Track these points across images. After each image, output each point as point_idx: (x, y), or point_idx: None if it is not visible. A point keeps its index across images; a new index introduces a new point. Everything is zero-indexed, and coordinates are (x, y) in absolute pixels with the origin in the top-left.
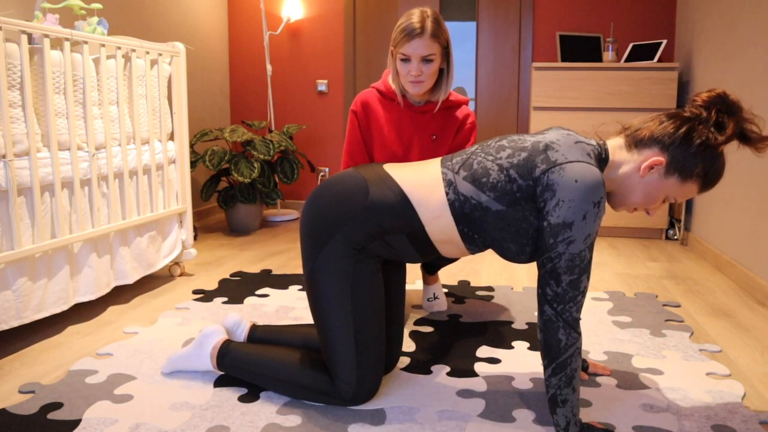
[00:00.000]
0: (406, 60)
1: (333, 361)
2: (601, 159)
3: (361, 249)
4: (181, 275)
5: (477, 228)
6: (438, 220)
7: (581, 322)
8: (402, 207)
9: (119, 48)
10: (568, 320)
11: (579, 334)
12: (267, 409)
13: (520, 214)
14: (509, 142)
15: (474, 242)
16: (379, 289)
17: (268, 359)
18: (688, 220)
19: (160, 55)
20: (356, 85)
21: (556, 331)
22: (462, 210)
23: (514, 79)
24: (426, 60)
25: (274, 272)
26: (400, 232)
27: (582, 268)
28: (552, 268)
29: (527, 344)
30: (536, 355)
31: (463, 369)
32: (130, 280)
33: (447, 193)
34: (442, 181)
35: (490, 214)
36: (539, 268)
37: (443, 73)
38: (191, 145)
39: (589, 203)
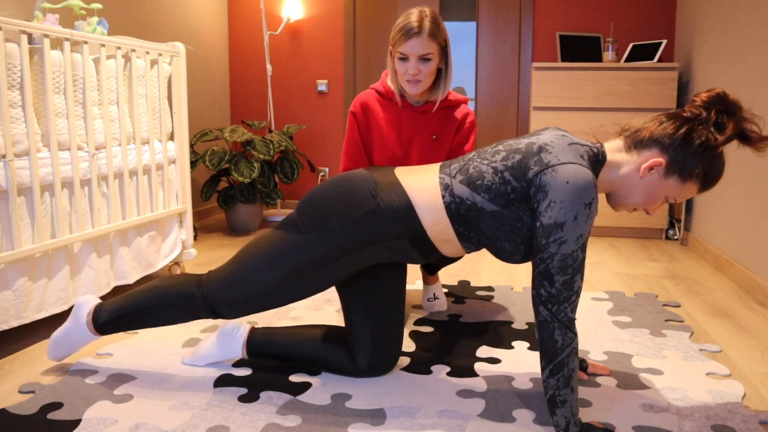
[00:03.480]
0: (404, 59)
1: (222, 279)
2: (597, 160)
3: (349, 252)
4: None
5: (472, 227)
6: (438, 224)
7: (578, 322)
8: (406, 213)
9: (119, 48)
10: (563, 321)
11: (575, 334)
12: (267, 409)
13: (514, 214)
14: (505, 146)
15: (470, 240)
16: (326, 284)
17: (135, 297)
18: (688, 220)
19: (160, 55)
20: (356, 85)
21: (552, 332)
22: (458, 211)
23: (514, 79)
24: (424, 59)
25: None
26: (403, 237)
27: (575, 269)
28: (545, 269)
29: (527, 344)
30: (536, 355)
31: (463, 369)
32: (130, 280)
33: (443, 197)
34: (440, 186)
35: (485, 215)
36: (533, 269)
37: (441, 73)
38: (191, 145)
39: (580, 204)
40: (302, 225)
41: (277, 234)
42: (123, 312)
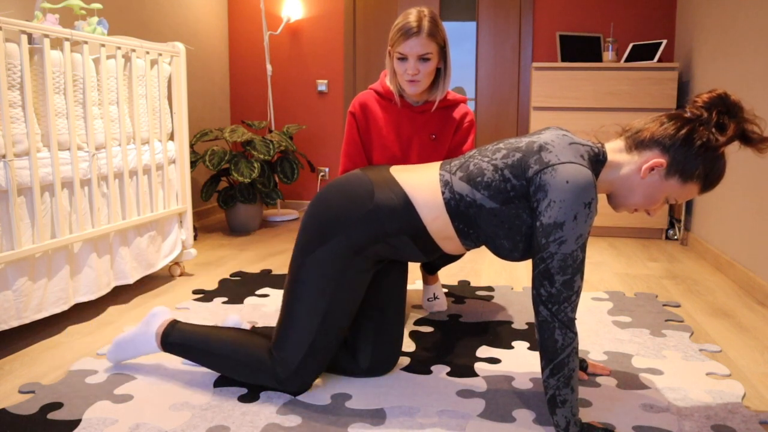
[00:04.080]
0: (403, 59)
1: (285, 339)
2: (598, 160)
3: (360, 251)
4: (181, 275)
5: (472, 224)
6: (437, 221)
7: (578, 322)
8: (405, 209)
9: (119, 48)
10: (563, 320)
11: (575, 334)
12: (267, 409)
13: (513, 211)
14: (505, 144)
15: (469, 237)
16: (360, 295)
17: (210, 336)
18: (688, 220)
19: (160, 55)
20: (356, 85)
21: (552, 332)
22: (457, 208)
23: (514, 79)
24: (423, 59)
25: (274, 272)
26: (403, 234)
27: (575, 268)
28: (545, 269)
29: (527, 344)
30: (536, 355)
31: (463, 369)
32: (130, 280)
33: (443, 193)
34: (440, 182)
35: (484, 212)
36: (533, 269)
37: (440, 73)
38: (191, 145)
39: (579, 204)
40: (312, 241)
41: (295, 264)
42: (192, 344)
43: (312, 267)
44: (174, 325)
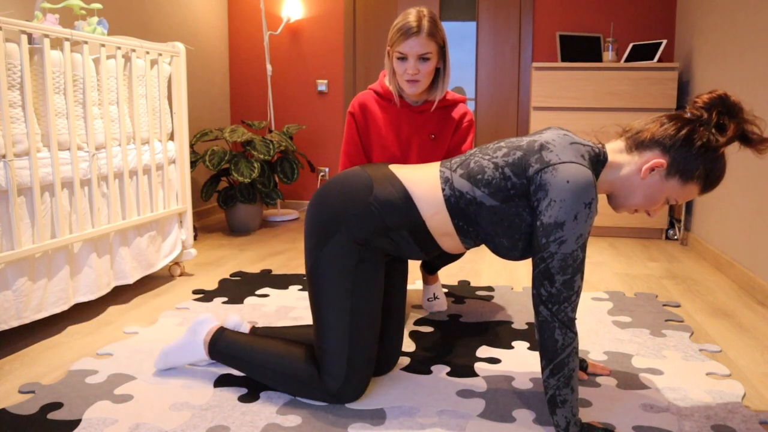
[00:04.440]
0: (402, 58)
1: (324, 354)
2: (599, 160)
3: (365, 244)
4: (181, 275)
5: (471, 222)
6: (437, 216)
7: (578, 322)
8: (404, 204)
9: (119, 48)
10: (563, 320)
11: (575, 333)
12: (267, 409)
13: (513, 210)
14: (506, 143)
15: (468, 235)
16: (380, 287)
17: (259, 347)
18: (688, 220)
19: (160, 55)
20: (356, 85)
21: (552, 332)
22: (457, 205)
23: (514, 79)
24: (422, 58)
25: (274, 272)
26: (402, 229)
27: (575, 268)
28: (545, 269)
29: (527, 344)
30: (536, 355)
31: (463, 369)
32: (130, 280)
33: (443, 190)
34: (440, 179)
35: (484, 209)
36: (533, 269)
37: (440, 73)
38: (191, 145)
39: (580, 204)
40: (318, 243)
41: (309, 271)
42: (238, 354)
43: (325, 269)
44: (221, 333)
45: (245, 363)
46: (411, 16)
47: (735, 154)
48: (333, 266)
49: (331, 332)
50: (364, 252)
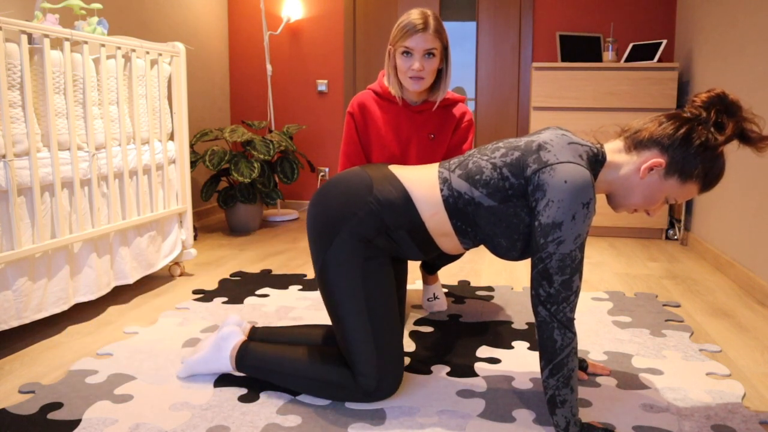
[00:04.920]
0: (407, 54)
1: (352, 355)
2: (597, 160)
3: (368, 242)
4: (181, 275)
5: (470, 222)
6: (435, 217)
7: (578, 322)
8: (404, 203)
9: (119, 48)
10: (562, 321)
11: (574, 334)
12: (267, 409)
13: (511, 210)
14: (505, 144)
15: (467, 236)
16: (390, 280)
17: (289, 358)
18: (688, 220)
19: (160, 55)
20: (356, 85)
21: (551, 332)
22: (456, 205)
23: (514, 79)
24: (428, 53)
25: (274, 272)
26: (402, 229)
27: (573, 268)
28: (543, 269)
29: (527, 344)
30: (536, 355)
31: (463, 369)
32: (130, 280)
33: (441, 190)
34: (438, 179)
35: (482, 209)
36: (532, 269)
37: (441, 74)
38: (191, 145)
39: (578, 204)
40: (322, 246)
41: (318, 274)
42: (267, 366)
43: (333, 271)
44: (246, 346)
45: (276, 374)
46: (416, 14)
47: (735, 154)
48: (341, 265)
49: (353, 333)
50: (368, 250)
